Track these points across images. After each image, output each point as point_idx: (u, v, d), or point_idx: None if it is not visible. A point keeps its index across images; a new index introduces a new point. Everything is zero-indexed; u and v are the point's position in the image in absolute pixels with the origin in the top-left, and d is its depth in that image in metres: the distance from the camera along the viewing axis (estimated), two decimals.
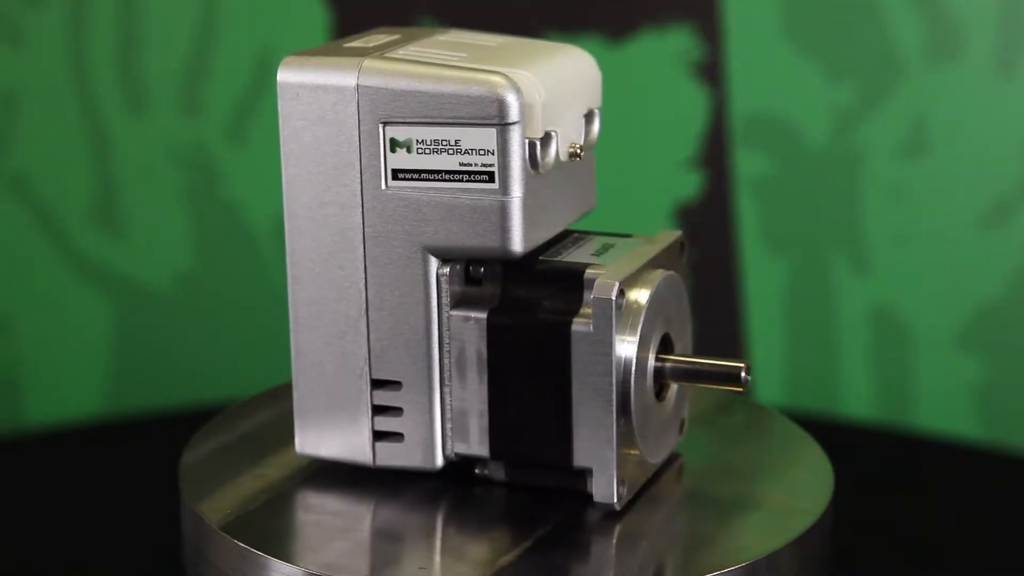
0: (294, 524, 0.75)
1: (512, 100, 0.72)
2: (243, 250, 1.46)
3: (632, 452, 0.75)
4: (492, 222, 0.74)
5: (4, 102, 1.45)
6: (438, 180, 0.74)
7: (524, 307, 0.75)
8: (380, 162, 0.75)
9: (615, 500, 0.74)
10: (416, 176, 0.75)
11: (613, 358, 0.73)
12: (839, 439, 0.94)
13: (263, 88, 1.44)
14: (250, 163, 1.45)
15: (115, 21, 1.43)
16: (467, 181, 0.74)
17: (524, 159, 0.73)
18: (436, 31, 0.82)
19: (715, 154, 1.44)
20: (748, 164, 1.43)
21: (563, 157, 0.76)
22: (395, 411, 0.77)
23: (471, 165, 0.74)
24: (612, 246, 0.79)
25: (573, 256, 0.77)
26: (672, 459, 0.81)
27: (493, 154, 0.73)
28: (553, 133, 0.75)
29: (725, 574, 0.71)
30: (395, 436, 0.77)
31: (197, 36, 1.44)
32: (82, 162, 1.45)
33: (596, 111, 0.80)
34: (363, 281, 0.76)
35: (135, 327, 1.49)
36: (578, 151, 0.76)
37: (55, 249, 1.47)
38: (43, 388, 1.49)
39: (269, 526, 0.74)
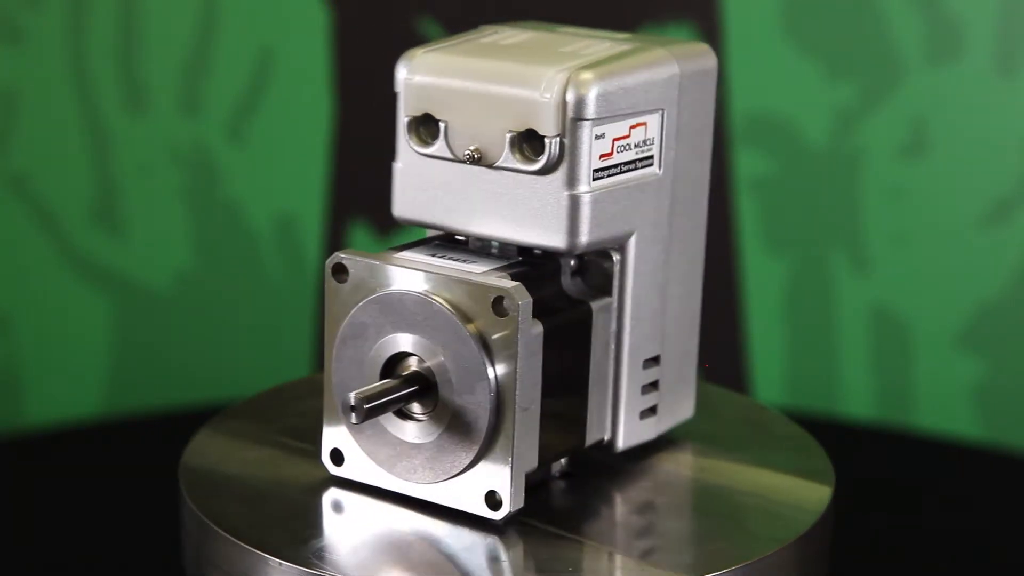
0: (294, 524, 0.75)
1: (397, 73, 0.77)
2: (243, 250, 1.46)
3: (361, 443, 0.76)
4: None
5: (4, 102, 1.44)
6: None
7: None
8: None
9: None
10: None
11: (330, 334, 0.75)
12: (839, 439, 0.94)
13: (263, 88, 1.44)
14: (250, 163, 1.45)
15: (115, 21, 1.43)
16: None
17: (403, 130, 0.77)
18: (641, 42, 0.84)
19: (715, 154, 1.43)
20: (748, 164, 1.43)
21: (455, 153, 0.75)
22: None
23: None
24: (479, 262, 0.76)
25: (444, 250, 0.78)
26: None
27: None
28: (441, 122, 0.76)
29: (725, 574, 0.71)
30: None
31: (197, 36, 1.44)
32: (82, 162, 1.45)
33: (546, 139, 0.73)
34: None
35: (135, 327, 1.49)
36: (467, 154, 0.75)
37: (55, 249, 1.47)
38: (43, 388, 1.49)
39: (269, 526, 0.74)
